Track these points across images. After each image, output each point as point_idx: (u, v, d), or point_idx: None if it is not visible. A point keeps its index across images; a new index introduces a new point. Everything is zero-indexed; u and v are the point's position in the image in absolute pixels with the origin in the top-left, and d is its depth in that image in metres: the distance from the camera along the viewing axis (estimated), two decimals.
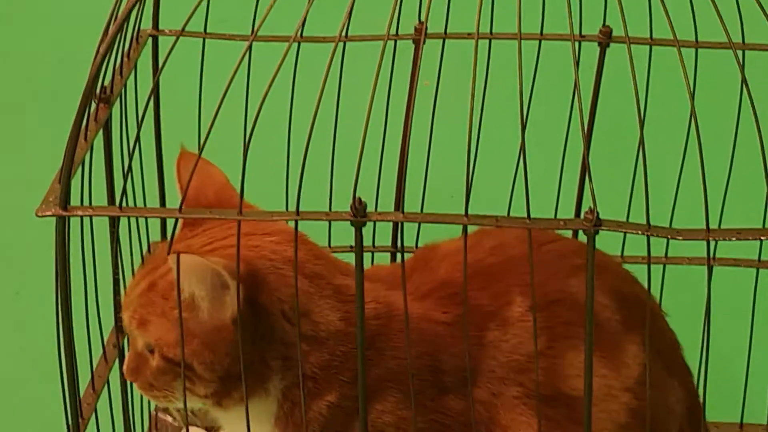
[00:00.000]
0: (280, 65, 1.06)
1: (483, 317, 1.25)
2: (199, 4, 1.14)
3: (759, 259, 1.46)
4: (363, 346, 1.14)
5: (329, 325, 1.21)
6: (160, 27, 1.42)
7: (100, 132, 1.26)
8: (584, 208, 1.12)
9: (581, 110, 1.12)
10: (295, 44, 1.34)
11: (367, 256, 1.13)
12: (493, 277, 1.28)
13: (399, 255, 1.46)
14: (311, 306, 1.20)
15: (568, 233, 1.50)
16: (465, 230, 1.12)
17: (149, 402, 1.52)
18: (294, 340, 1.17)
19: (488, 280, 1.27)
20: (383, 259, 1.50)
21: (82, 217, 1.15)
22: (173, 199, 1.19)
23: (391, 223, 1.42)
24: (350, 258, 1.14)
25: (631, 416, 1.25)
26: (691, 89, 1.14)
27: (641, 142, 1.08)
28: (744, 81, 1.12)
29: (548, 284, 1.27)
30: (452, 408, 1.24)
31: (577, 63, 1.07)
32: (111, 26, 1.16)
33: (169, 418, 1.58)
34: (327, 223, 1.15)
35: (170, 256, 1.13)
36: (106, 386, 1.31)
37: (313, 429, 1.22)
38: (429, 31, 1.36)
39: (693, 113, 1.11)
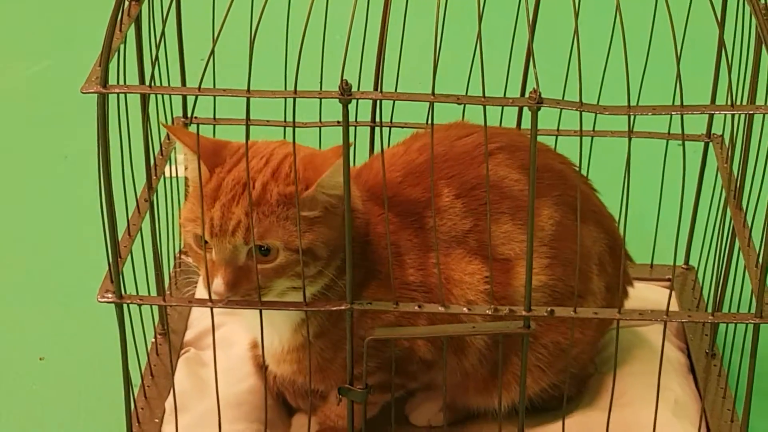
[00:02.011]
0: None
1: (421, 208, 1.26)
2: None
3: (669, 132, 1.47)
4: (350, 214, 1.15)
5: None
6: None
7: (132, 25, 1.25)
8: (528, 90, 1.12)
9: (527, 8, 1.11)
10: None
11: (351, 130, 1.14)
12: (423, 174, 1.27)
13: (377, 129, 1.46)
14: None
15: (515, 110, 1.50)
16: (432, 107, 1.13)
17: (174, 245, 1.54)
18: None
19: (419, 177, 1.28)
20: (363, 131, 1.50)
21: (118, 93, 1.15)
22: (193, 81, 1.19)
23: (371, 102, 1.42)
24: (338, 130, 1.14)
25: (550, 260, 1.27)
26: None
27: (575, 32, 1.08)
28: None
29: (467, 173, 1.28)
30: (412, 281, 1.25)
31: None
32: None
33: (189, 259, 1.59)
34: (318, 100, 1.15)
35: (332, 166, 1.13)
36: (138, 232, 1.31)
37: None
38: None
39: (618, 8, 1.11)
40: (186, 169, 1.22)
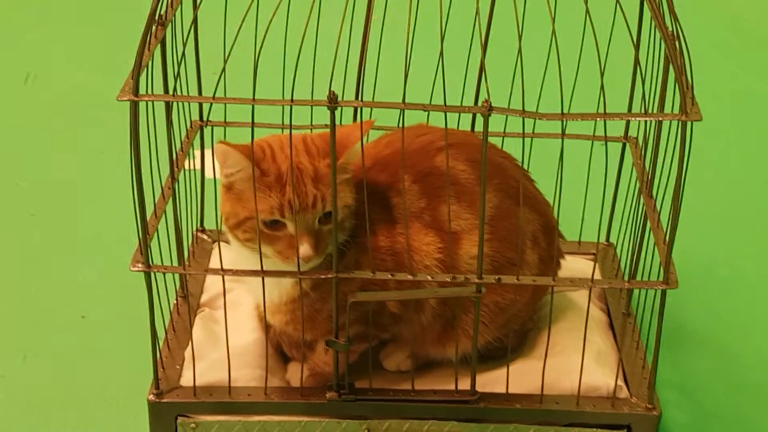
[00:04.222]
0: (278, 5, 1.05)
1: (386, 189, 1.27)
2: None
3: (594, 134, 1.47)
4: (335, 196, 1.15)
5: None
6: None
7: (158, 45, 1.24)
8: (481, 99, 1.12)
9: (480, 32, 1.11)
10: None
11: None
12: (388, 163, 1.28)
13: None
14: None
15: (469, 116, 1.50)
16: (402, 113, 1.12)
17: (192, 224, 1.53)
18: None
19: (384, 166, 1.28)
20: None
21: (147, 101, 1.15)
22: (207, 91, 1.18)
23: (353, 108, 1.41)
24: (326, 132, 1.14)
25: (489, 236, 1.26)
26: (552, 14, 1.14)
27: (519, 51, 1.08)
28: (587, 11, 1.12)
29: (422, 163, 1.28)
30: (382, 246, 1.25)
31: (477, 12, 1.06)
32: None
33: (205, 236, 1.59)
34: (310, 107, 1.15)
35: (355, 143, 1.17)
36: (163, 214, 1.31)
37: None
38: None
39: (553, 32, 1.11)
40: (226, 174, 1.20)
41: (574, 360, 1.31)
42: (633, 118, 1.19)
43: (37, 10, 2.46)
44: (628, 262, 1.45)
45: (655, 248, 1.27)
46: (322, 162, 1.18)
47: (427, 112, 1.15)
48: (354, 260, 1.23)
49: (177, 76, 1.21)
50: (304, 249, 1.17)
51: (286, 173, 1.16)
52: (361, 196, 1.21)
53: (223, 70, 1.09)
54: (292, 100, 1.10)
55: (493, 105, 1.09)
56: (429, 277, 1.23)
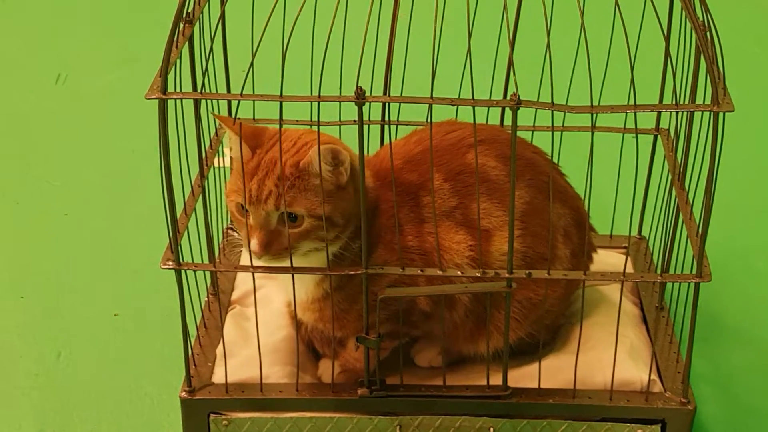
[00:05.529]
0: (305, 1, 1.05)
1: (416, 188, 1.26)
2: None
3: (624, 126, 1.46)
4: (365, 193, 1.15)
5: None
6: None
7: (186, 43, 1.25)
8: (510, 93, 1.12)
9: (508, 27, 1.11)
10: None
11: (365, 128, 1.14)
12: (419, 162, 1.27)
13: (386, 126, 1.46)
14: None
15: (498, 110, 1.49)
16: (430, 108, 1.12)
17: (222, 222, 1.54)
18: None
19: (416, 164, 1.27)
20: (375, 128, 1.50)
21: (175, 99, 1.15)
22: (236, 88, 1.17)
23: (380, 104, 1.41)
24: (354, 128, 1.14)
25: (521, 231, 1.26)
26: (581, 8, 1.13)
27: (548, 46, 1.08)
28: (617, 4, 1.11)
29: (453, 161, 1.27)
30: (411, 246, 1.25)
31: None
32: None
33: (235, 234, 1.59)
34: (338, 103, 1.15)
35: (311, 149, 1.13)
36: (193, 212, 1.31)
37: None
38: None
39: (582, 26, 1.10)
40: (231, 149, 1.23)
41: (607, 354, 1.31)
42: (664, 110, 1.18)
43: (67, 11, 2.48)
44: (661, 256, 1.44)
45: (688, 241, 1.26)
46: (289, 162, 1.16)
47: (455, 107, 1.15)
48: (383, 260, 1.23)
49: (205, 73, 1.21)
50: (253, 243, 1.17)
51: (264, 164, 1.16)
52: (379, 200, 1.21)
53: (251, 66, 1.09)
54: (320, 96, 1.10)
55: (521, 98, 1.09)
56: (459, 272, 1.22)
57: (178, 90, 1.17)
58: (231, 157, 1.24)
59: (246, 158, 1.17)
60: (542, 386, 1.30)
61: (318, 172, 1.15)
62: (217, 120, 1.22)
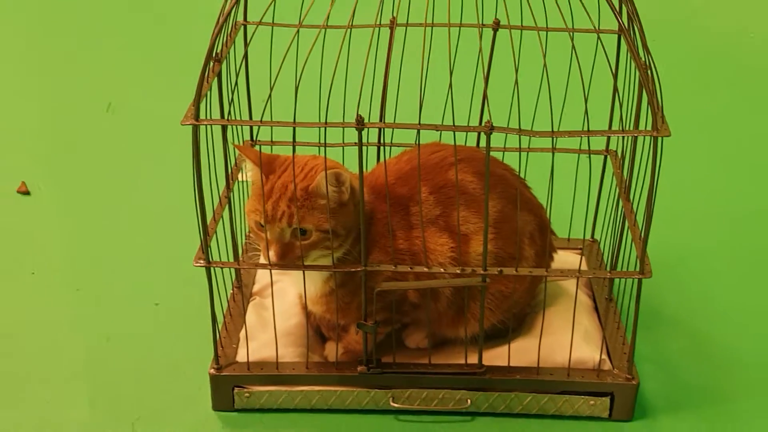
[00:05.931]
0: (315, 40, 1.06)
1: (406, 200, 1.26)
2: (268, 7, 1.12)
3: (580, 148, 1.46)
4: (363, 206, 1.15)
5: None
6: (248, 18, 1.40)
7: (215, 78, 1.25)
8: (484, 120, 1.13)
9: (483, 63, 1.11)
10: (323, 30, 1.32)
11: (363, 149, 1.15)
12: (408, 177, 1.27)
13: (382, 148, 1.46)
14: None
15: (474, 134, 1.50)
16: (418, 133, 1.12)
17: (245, 227, 1.54)
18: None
19: (406, 179, 1.28)
20: (372, 149, 1.50)
21: (206, 125, 1.16)
22: (256, 115, 1.17)
23: (377, 129, 1.41)
24: (355, 149, 1.14)
25: (494, 235, 1.27)
26: (544, 50, 1.14)
27: (516, 82, 1.08)
28: (573, 47, 1.11)
29: (437, 177, 1.28)
30: (402, 248, 1.25)
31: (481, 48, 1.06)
32: (220, 18, 1.15)
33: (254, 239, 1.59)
34: (342, 129, 1.15)
35: (319, 174, 1.14)
36: (221, 219, 1.32)
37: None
38: (399, 21, 1.35)
39: (545, 66, 1.11)
40: (249, 174, 1.23)
41: (565, 338, 1.31)
42: (612, 135, 1.19)
43: (115, 46, 2.48)
44: (610, 255, 1.44)
45: (633, 244, 1.26)
46: (299, 186, 1.17)
47: (439, 132, 1.15)
48: (378, 261, 1.23)
49: (231, 103, 1.22)
50: (271, 254, 1.18)
51: (276, 188, 1.17)
52: (375, 211, 1.21)
53: (269, 97, 1.10)
54: (326, 123, 1.10)
55: (494, 125, 1.09)
56: (442, 270, 1.22)
57: (208, 117, 1.18)
58: (250, 181, 1.24)
59: (262, 182, 1.18)
60: (511, 364, 1.30)
61: (324, 193, 1.16)
62: (237, 150, 1.21)
